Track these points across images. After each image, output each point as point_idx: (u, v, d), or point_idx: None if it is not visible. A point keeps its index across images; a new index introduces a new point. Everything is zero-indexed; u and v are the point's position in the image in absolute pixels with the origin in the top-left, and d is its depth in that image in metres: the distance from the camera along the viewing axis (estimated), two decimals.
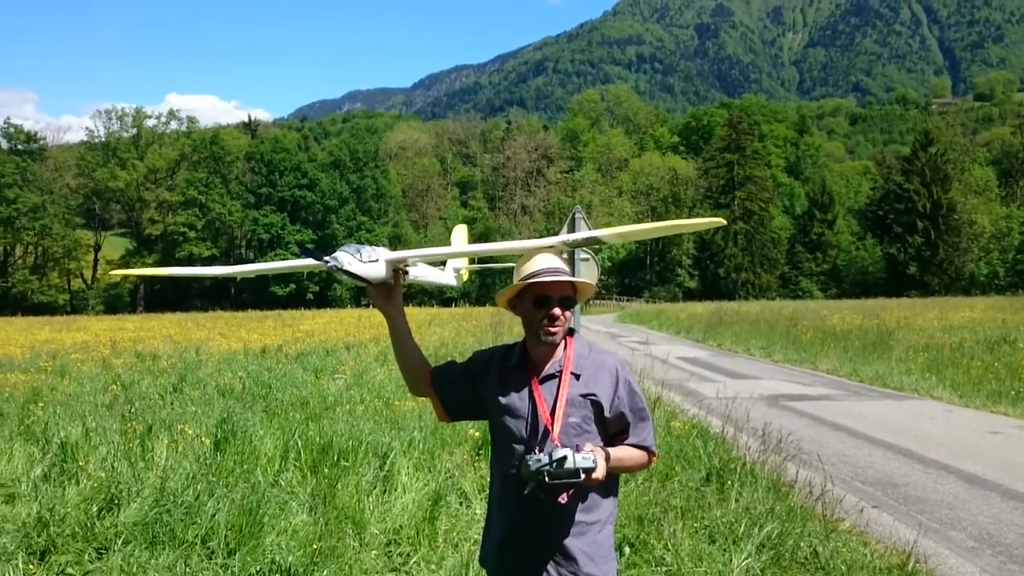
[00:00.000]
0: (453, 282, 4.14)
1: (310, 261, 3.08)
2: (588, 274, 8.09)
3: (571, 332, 2.93)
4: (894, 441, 10.36)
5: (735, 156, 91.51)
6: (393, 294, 3.06)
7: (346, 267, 2.88)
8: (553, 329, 2.82)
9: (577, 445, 2.69)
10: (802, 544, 5.66)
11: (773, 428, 8.34)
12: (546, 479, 2.58)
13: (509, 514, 2.83)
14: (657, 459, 3.13)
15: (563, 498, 2.70)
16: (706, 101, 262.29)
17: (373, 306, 3.15)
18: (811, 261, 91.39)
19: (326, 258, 2.91)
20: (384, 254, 2.98)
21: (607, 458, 2.69)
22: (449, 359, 3.27)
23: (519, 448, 2.80)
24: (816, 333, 26.09)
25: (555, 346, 2.86)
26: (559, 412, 2.78)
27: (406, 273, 3.22)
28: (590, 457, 2.59)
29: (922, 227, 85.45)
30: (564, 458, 2.56)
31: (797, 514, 6.19)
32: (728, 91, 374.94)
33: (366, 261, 2.91)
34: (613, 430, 2.88)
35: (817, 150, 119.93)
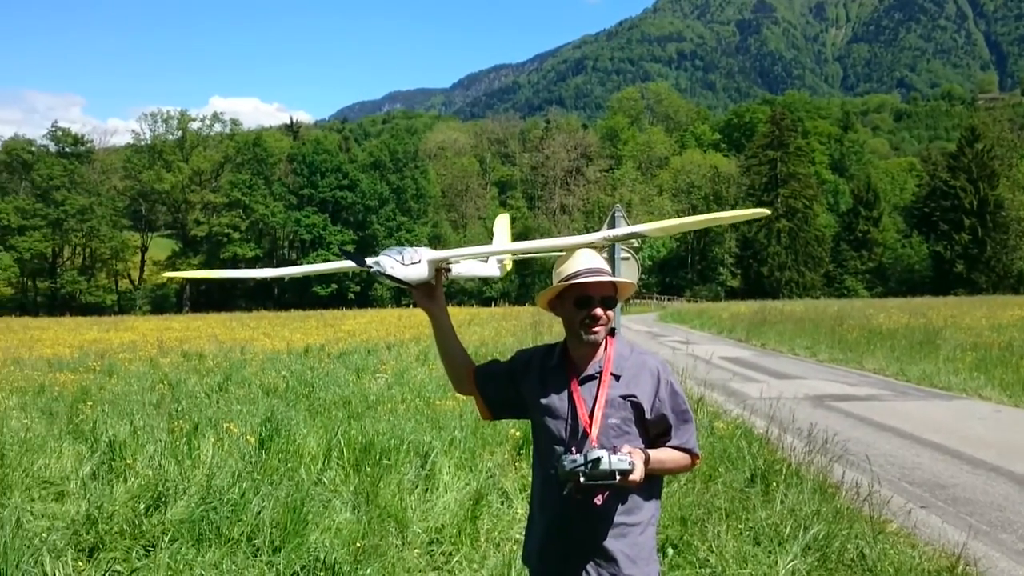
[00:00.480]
0: (497, 272, 4.08)
1: (351, 264, 3.08)
2: (628, 273, 8.06)
3: (612, 332, 2.91)
4: (942, 442, 10.19)
5: (778, 153, 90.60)
6: (435, 293, 3.05)
7: (389, 272, 2.86)
8: (595, 329, 2.80)
9: (615, 447, 2.66)
10: (849, 546, 5.58)
11: (819, 429, 8.24)
12: (581, 480, 2.56)
13: (550, 514, 2.83)
14: (700, 461, 3.06)
15: (599, 499, 2.68)
16: (748, 98, 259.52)
17: (415, 306, 3.15)
18: (856, 259, 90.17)
19: (368, 262, 2.90)
20: (426, 254, 2.96)
21: (646, 460, 2.66)
22: (490, 358, 3.26)
23: (559, 449, 2.79)
24: (862, 332, 25.74)
25: (596, 346, 2.85)
26: (598, 413, 2.77)
27: (449, 271, 3.21)
28: (626, 459, 2.56)
29: (969, 224, 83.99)
30: (599, 459, 2.54)
31: (844, 516, 6.10)
32: (770, 87, 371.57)
33: (408, 264, 2.88)
34: (655, 432, 2.85)
35: (861, 147, 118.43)
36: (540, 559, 2.89)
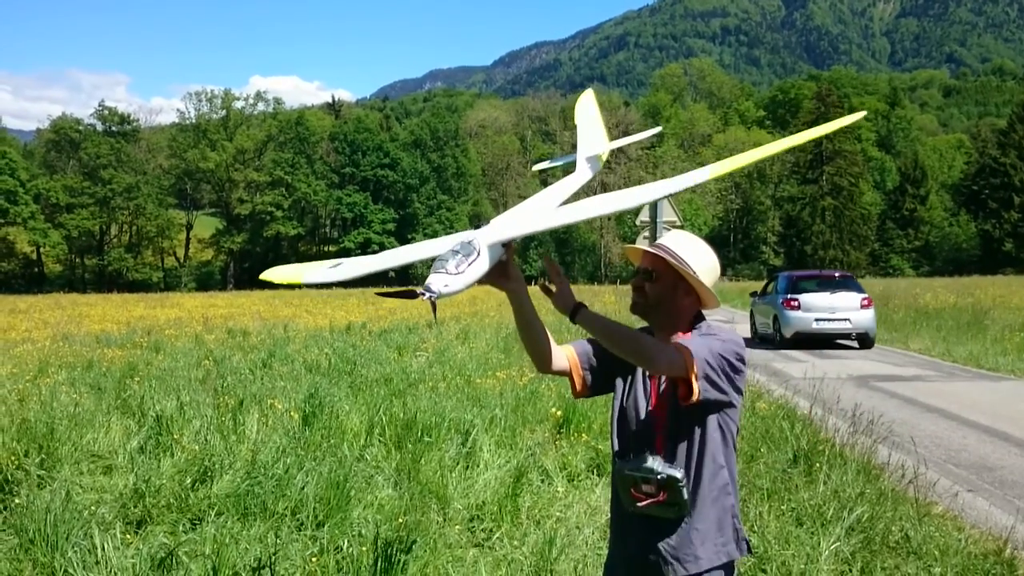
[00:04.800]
0: (590, 175, 3.57)
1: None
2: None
3: (700, 317, 2.79)
4: (989, 424, 10.02)
5: None
6: (507, 270, 2.67)
7: (445, 293, 2.38)
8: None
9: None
10: (893, 528, 5.52)
11: (863, 409, 8.13)
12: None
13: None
14: (696, 364, 2.52)
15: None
16: (793, 74, 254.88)
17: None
18: (902, 238, 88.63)
19: (419, 291, 2.41)
20: (484, 240, 2.52)
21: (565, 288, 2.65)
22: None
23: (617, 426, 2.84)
24: (908, 312, 25.36)
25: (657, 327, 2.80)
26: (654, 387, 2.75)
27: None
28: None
29: (1019, 202, 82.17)
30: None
31: (888, 497, 6.03)
32: (816, 63, 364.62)
33: (466, 269, 2.42)
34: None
35: (909, 123, 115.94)
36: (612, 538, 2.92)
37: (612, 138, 4.05)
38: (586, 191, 3.33)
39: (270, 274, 3.49)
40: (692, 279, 2.70)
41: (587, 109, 3.89)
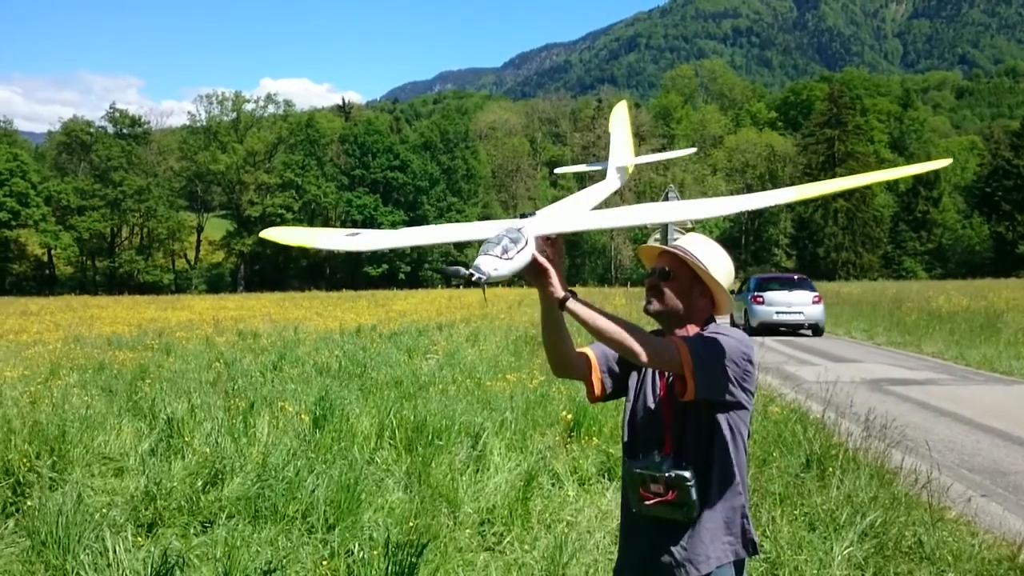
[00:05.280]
0: (618, 184, 3.55)
1: (478, 233, 2.68)
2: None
3: (711, 320, 2.78)
4: (1003, 428, 9.96)
5: (836, 131, 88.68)
6: (546, 266, 2.56)
7: (495, 276, 2.37)
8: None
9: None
10: (907, 533, 5.48)
11: (876, 413, 8.09)
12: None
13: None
14: (689, 357, 2.52)
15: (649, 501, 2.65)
16: (805, 75, 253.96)
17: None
18: (915, 240, 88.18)
19: (468, 272, 2.38)
20: (531, 230, 2.48)
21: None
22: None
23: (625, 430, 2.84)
24: (921, 315, 25.27)
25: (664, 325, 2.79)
26: (662, 400, 2.73)
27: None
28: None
29: None
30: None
31: (901, 502, 5.99)
32: (828, 64, 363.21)
33: (514, 256, 2.40)
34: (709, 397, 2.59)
35: (922, 125, 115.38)
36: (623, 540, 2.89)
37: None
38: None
39: (276, 234, 3.36)
40: (709, 280, 2.71)
41: (619, 120, 3.95)
